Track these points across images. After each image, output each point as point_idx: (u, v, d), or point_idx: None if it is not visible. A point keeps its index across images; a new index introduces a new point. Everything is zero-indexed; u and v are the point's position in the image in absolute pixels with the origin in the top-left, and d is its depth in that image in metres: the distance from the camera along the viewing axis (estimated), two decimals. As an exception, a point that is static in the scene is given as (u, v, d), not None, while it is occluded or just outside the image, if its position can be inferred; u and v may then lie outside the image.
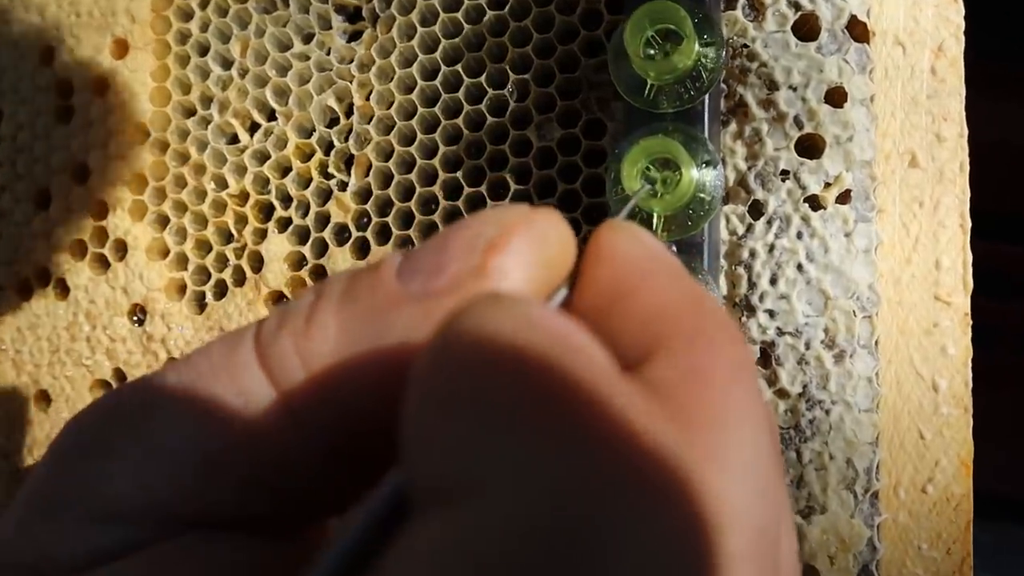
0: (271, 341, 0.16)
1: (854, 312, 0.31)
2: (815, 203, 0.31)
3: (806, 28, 0.32)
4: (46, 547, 0.15)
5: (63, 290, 0.37)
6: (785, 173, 0.31)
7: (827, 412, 0.31)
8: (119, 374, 0.37)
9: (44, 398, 0.37)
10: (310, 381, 0.16)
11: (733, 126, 0.32)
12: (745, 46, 0.32)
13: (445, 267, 0.16)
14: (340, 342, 0.16)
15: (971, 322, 0.31)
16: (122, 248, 0.37)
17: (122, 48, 0.38)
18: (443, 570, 0.11)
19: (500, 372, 0.13)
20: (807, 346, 0.31)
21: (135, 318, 0.37)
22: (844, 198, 0.31)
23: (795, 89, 0.31)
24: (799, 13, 0.31)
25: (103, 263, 0.37)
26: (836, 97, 0.31)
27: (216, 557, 0.16)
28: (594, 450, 0.12)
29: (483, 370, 0.13)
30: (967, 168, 0.31)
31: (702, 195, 0.29)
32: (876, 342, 0.31)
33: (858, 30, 0.31)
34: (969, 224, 0.31)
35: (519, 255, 0.16)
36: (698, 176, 0.28)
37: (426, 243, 0.16)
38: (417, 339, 0.15)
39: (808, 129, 0.31)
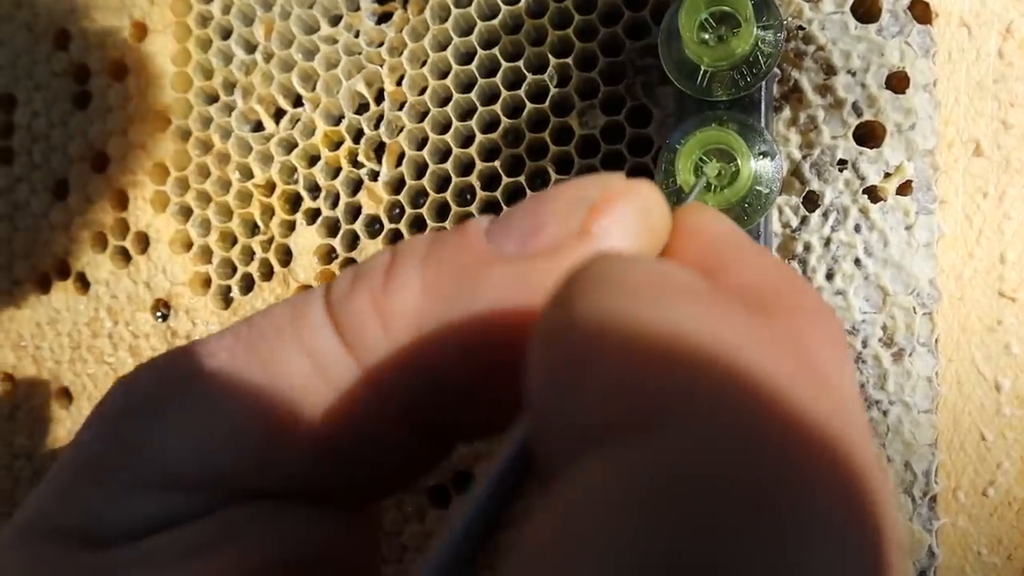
0: (344, 300, 0.15)
1: (914, 309, 0.29)
2: (874, 194, 0.29)
3: (864, 8, 0.30)
4: (97, 513, 0.15)
5: (83, 284, 0.36)
6: (843, 163, 0.30)
7: (884, 413, 0.29)
8: (143, 371, 0.35)
9: (65, 395, 0.36)
10: (390, 343, 0.15)
11: (787, 112, 0.30)
12: (801, 28, 0.30)
13: (543, 228, 0.15)
14: (424, 302, 0.15)
15: (1037, 319, 0.29)
16: (144, 241, 0.36)
17: (141, 31, 0.36)
18: (605, 509, 0.10)
19: (657, 310, 0.12)
20: (864, 344, 0.29)
21: (159, 313, 0.36)
22: (905, 189, 0.29)
23: (854, 74, 0.29)
24: (858, -7, 0.30)
25: (124, 256, 0.36)
26: (897, 82, 0.29)
27: (284, 526, 0.15)
28: (773, 409, 0.11)
29: (637, 310, 0.12)
30: (1035, 157, 0.29)
31: (759, 188, 0.27)
32: (936, 340, 0.29)
33: (920, 10, 0.30)
34: (1036, 216, 0.29)
35: (623, 219, 0.15)
36: (755, 168, 0.27)
37: (517, 206, 0.15)
38: (511, 301, 0.14)
39: (867, 116, 0.29)
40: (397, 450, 0.16)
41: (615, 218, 0.15)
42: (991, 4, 0.29)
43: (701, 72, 0.28)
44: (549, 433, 0.12)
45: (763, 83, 0.28)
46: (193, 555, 0.14)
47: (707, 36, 0.27)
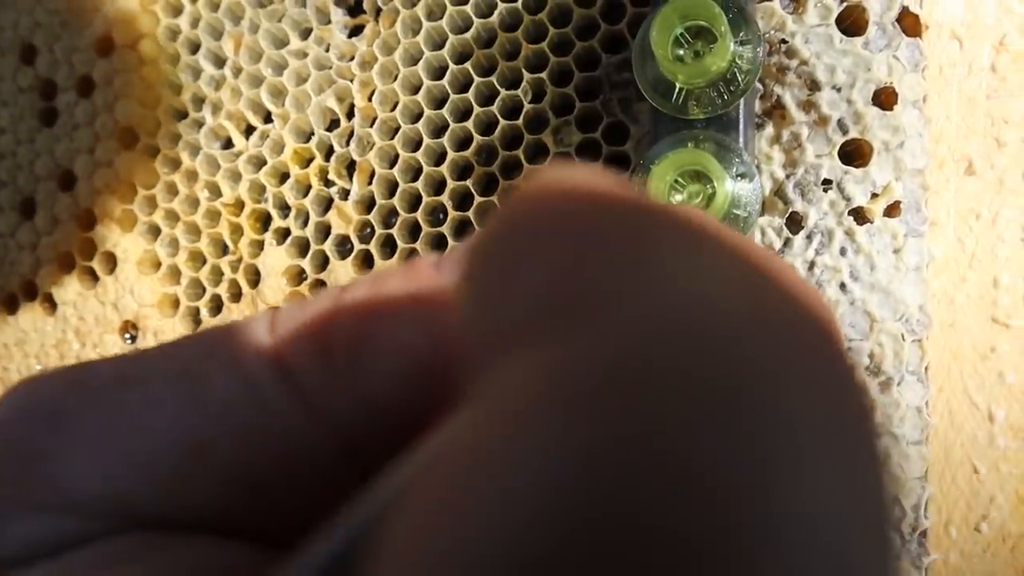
0: (288, 325, 0.14)
1: (902, 335, 0.28)
2: (861, 216, 0.28)
3: (851, 21, 0.29)
4: None
5: (51, 305, 0.35)
6: (827, 182, 0.28)
7: (872, 445, 0.28)
8: (111, 395, 0.35)
9: (33, 419, 0.35)
10: (332, 360, 0.14)
11: (770, 129, 0.29)
12: (784, 41, 0.29)
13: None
14: (367, 320, 0.14)
15: (1033, 347, 0.28)
16: (111, 261, 0.35)
17: (107, 45, 0.35)
18: (529, 407, 0.08)
19: (586, 203, 0.11)
20: (850, 373, 0.28)
21: (127, 335, 0.35)
22: (893, 210, 0.28)
23: (839, 89, 0.28)
24: (844, 4, 0.28)
25: (92, 276, 0.35)
26: (885, 98, 0.28)
27: (184, 557, 0.14)
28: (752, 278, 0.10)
29: (556, 209, 0.11)
30: (1030, 176, 0.28)
31: (737, 211, 0.26)
32: (926, 368, 0.28)
33: (910, 23, 0.28)
34: (1032, 238, 0.28)
35: None
36: (732, 190, 0.26)
37: (467, 239, 0.15)
38: (452, 324, 0.14)
39: (854, 134, 0.28)
40: (326, 482, 0.15)
41: None
42: (983, 16, 0.28)
43: (676, 89, 0.26)
44: (474, 335, 0.11)
45: (742, 101, 0.26)
46: None
47: (682, 52, 0.26)
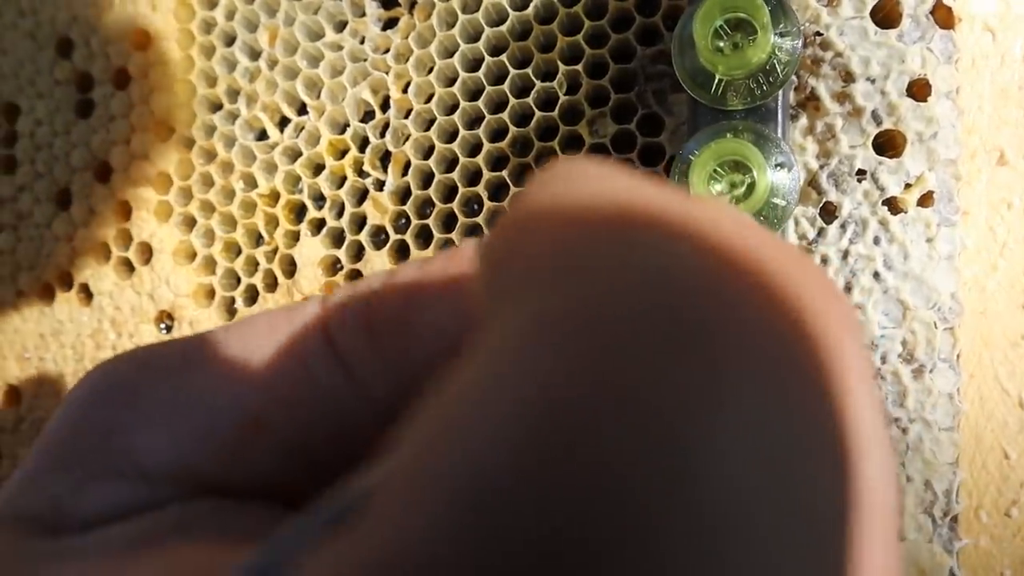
0: (338, 311, 0.15)
1: (935, 323, 0.28)
2: (894, 206, 0.29)
3: (884, 13, 0.29)
4: (57, 499, 0.14)
5: (87, 295, 0.36)
6: (862, 173, 0.29)
7: (904, 431, 0.28)
8: (147, 384, 0.35)
9: (70, 408, 0.36)
10: (378, 341, 0.15)
11: (804, 120, 0.29)
12: (819, 34, 0.29)
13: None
14: (410, 305, 0.15)
15: (1063, 334, 0.28)
16: (147, 251, 0.35)
17: (143, 38, 0.35)
18: (523, 348, 0.10)
19: (586, 186, 0.12)
20: (883, 360, 0.29)
21: (162, 325, 0.35)
22: (926, 200, 0.28)
23: (873, 81, 0.29)
24: (877, -3, 0.29)
25: (128, 267, 0.35)
26: (919, 90, 0.28)
27: (246, 525, 0.14)
28: (715, 250, 0.11)
29: (571, 184, 0.12)
30: (1061, 167, 0.28)
31: (776, 200, 0.26)
32: (958, 356, 0.28)
33: (943, 15, 0.29)
34: (1063, 228, 0.28)
35: None
36: (772, 180, 0.26)
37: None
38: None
39: (887, 125, 0.28)
40: (368, 450, 0.15)
41: None
42: (1016, 7, 0.28)
43: (716, 80, 0.27)
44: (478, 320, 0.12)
45: (780, 91, 0.27)
46: (144, 545, 0.14)
47: (722, 44, 0.26)
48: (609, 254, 0.11)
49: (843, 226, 0.29)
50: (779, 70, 0.26)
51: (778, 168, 0.26)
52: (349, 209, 0.33)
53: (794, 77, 0.29)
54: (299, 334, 0.15)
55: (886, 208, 0.28)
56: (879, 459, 0.10)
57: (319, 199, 0.34)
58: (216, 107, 0.35)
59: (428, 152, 0.33)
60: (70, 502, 0.14)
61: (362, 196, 0.34)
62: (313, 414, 0.15)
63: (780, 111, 0.27)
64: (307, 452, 0.15)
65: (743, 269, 0.11)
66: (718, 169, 0.26)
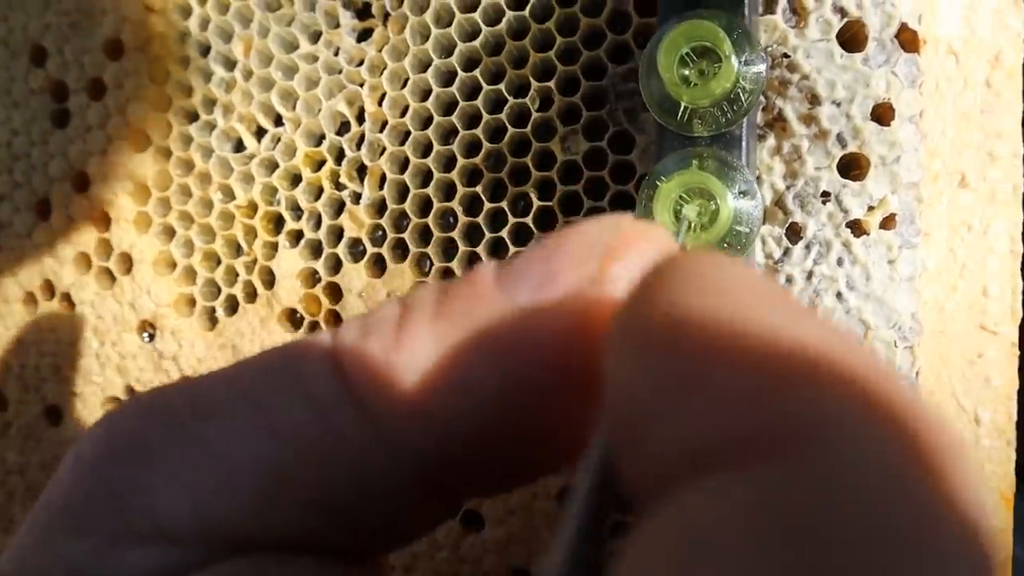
0: (353, 351, 0.14)
1: (895, 342, 0.29)
2: (857, 228, 0.29)
3: (849, 35, 0.29)
4: (76, 566, 0.14)
5: (69, 304, 0.36)
6: (826, 195, 0.29)
7: (863, 445, 0.29)
8: (131, 391, 0.36)
9: (54, 414, 0.37)
10: (401, 398, 0.14)
11: (771, 140, 0.30)
12: (786, 55, 0.29)
13: (557, 276, 0.14)
14: (436, 357, 0.14)
15: (1019, 353, 0.29)
16: (128, 261, 0.36)
17: (116, 48, 0.35)
18: (715, 557, 0.09)
19: (774, 316, 0.11)
20: (844, 377, 0.29)
21: (145, 334, 0.36)
22: (888, 223, 0.29)
23: (839, 104, 0.29)
24: (845, 20, 0.29)
25: (109, 277, 0.36)
26: (883, 113, 0.29)
27: None
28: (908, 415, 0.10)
29: (751, 313, 0.11)
30: (1021, 189, 0.29)
31: (739, 228, 0.27)
32: (917, 373, 0.29)
33: (908, 38, 0.29)
34: (1021, 249, 0.29)
35: (638, 264, 0.14)
36: (735, 207, 0.27)
37: (528, 252, 0.15)
38: (526, 353, 0.14)
39: (852, 148, 0.29)
40: (405, 505, 0.15)
41: (630, 263, 0.14)
42: (980, 32, 0.29)
43: (681, 108, 0.27)
44: (642, 454, 0.11)
45: (744, 119, 0.27)
46: None
47: (688, 72, 0.27)
48: (811, 432, 0.10)
49: (808, 247, 0.29)
50: (743, 99, 0.27)
51: (741, 196, 0.27)
52: (326, 221, 0.34)
53: (762, 98, 0.29)
54: (312, 378, 0.14)
55: (849, 230, 0.29)
56: None
57: (296, 210, 0.34)
58: (193, 117, 0.35)
59: (404, 166, 0.33)
60: (92, 569, 0.14)
61: (339, 208, 0.34)
62: (336, 465, 0.14)
63: (744, 138, 0.28)
64: (330, 502, 0.15)
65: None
66: (684, 195, 0.27)
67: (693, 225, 0.27)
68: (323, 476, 0.14)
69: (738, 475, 0.10)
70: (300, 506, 0.14)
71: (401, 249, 0.33)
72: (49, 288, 0.36)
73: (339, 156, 0.34)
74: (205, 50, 0.35)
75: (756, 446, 0.10)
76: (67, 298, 0.36)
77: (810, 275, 0.29)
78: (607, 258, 0.14)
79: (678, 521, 0.10)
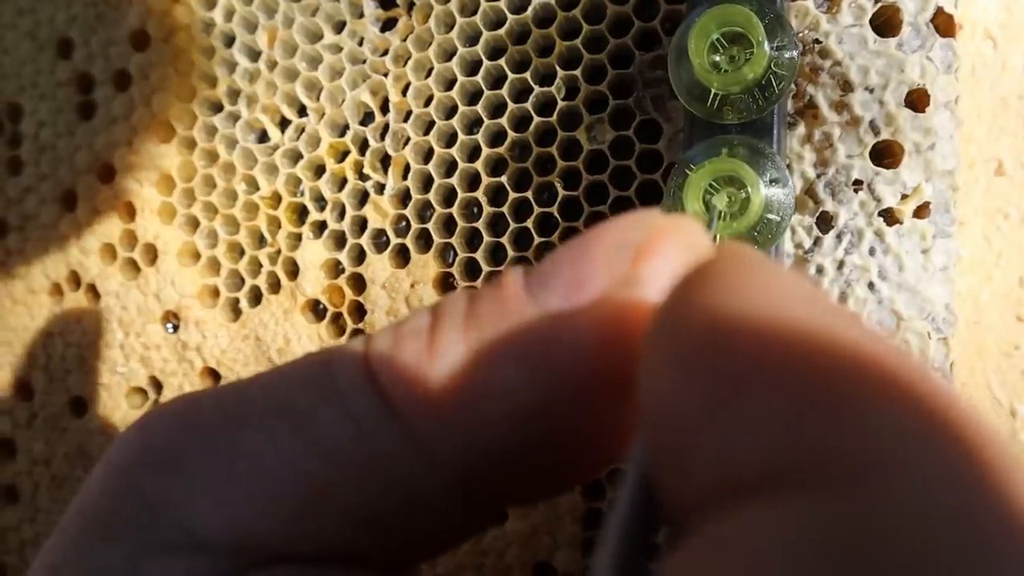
0: (386, 361, 0.14)
1: (928, 334, 0.29)
2: (890, 217, 0.29)
3: (883, 19, 0.29)
4: (107, 574, 0.14)
5: (95, 295, 0.36)
6: (858, 183, 0.29)
7: (896, 439, 0.29)
8: (155, 382, 0.36)
9: (79, 405, 0.37)
10: (438, 405, 0.14)
11: (801, 129, 0.29)
12: (817, 41, 0.29)
13: (588, 278, 0.14)
14: (469, 366, 0.14)
15: (1056, 345, 0.29)
16: (152, 252, 0.36)
17: (143, 39, 0.35)
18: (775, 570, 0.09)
19: (821, 323, 0.10)
20: (877, 369, 0.29)
21: (169, 325, 0.36)
22: (922, 211, 0.28)
23: (872, 91, 0.28)
24: (879, 4, 0.28)
25: (134, 268, 0.36)
26: (917, 100, 0.28)
27: None
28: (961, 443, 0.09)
29: (798, 322, 0.10)
30: (1060, 177, 0.28)
31: (770, 216, 0.27)
32: (951, 365, 0.29)
33: (943, 22, 0.28)
34: (1059, 239, 0.28)
35: (671, 261, 0.14)
36: (766, 196, 0.26)
37: (555, 256, 0.14)
38: (560, 359, 0.14)
39: (885, 135, 0.28)
40: (443, 516, 0.15)
41: (663, 261, 0.14)
42: (1019, 15, 0.28)
43: (712, 95, 0.27)
44: (682, 471, 0.11)
45: (776, 105, 0.27)
46: None
47: (718, 58, 0.26)
48: (853, 457, 0.09)
49: (839, 236, 0.29)
50: (776, 85, 0.26)
51: (773, 184, 0.26)
52: (350, 212, 0.34)
53: (792, 85, 0.29)
54: (348, 390, 0.14)
55: (882, 219, 0.29)
56: None
57: (320, 200, 0.34)
58: (217, 108, 0.35)
59: (428, 156, 0.33)
60: None
61: (363, 199, 0.34)
62: (372, 476, 0.14)
63: (776, 125, 0.27)
64: (365, 514, 0.14)
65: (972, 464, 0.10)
66: (713, 184, 0.26)
67: (723, 213, 0.26)
68: (360, 487, 0.14)
69: (782, 503, 0.09)
70: (336, 517, 0.14)
71: (425, 239, 0.33)
72: (75, 279, 0.36)
73: (363, 146, 0.34)
74: (230, 40, 0.35)
75: (802, 472, 0.09)
76: (92, 289, 0.36)
77: (841, 265, 0.29)
78: (638, 258, 0.14)
79: (717, 551, 0.09)
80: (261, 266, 0.35)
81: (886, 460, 0.09)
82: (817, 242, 0.29)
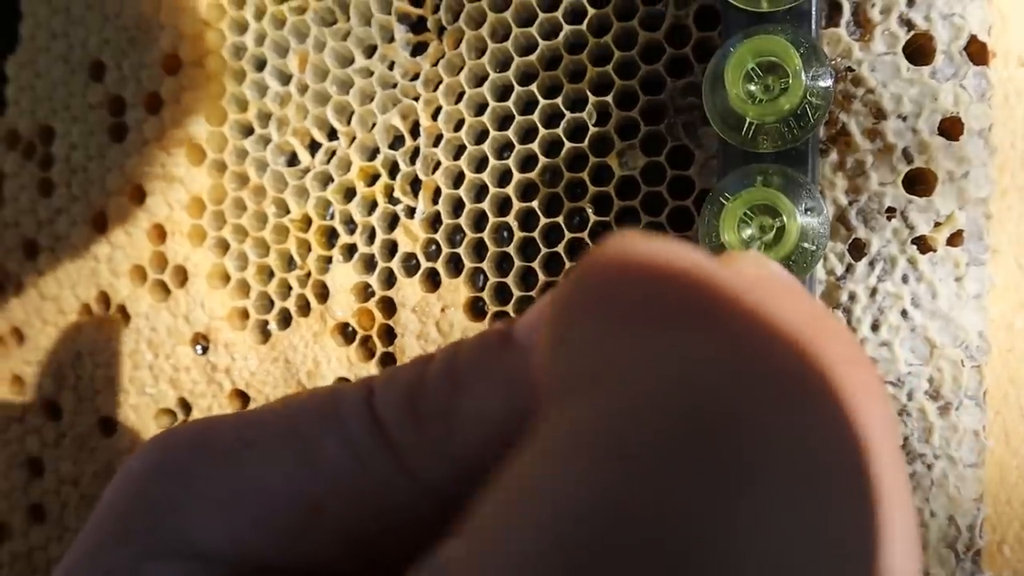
0: (385, 398, 0.16)
1: (962, 361, 0.29)
2: (923, 244, 0.29)
3: (916, 47, 0.29)
4: (112, 574, 0.15)
5: (124, 316, 0.36)
6: (891, 210, 0.29)
7: (929, 467, 0.29)
8: (184, 403, 0.36)
9: (108, 425, 0.37)
10: (426, 437, 0.15)
11: (834, 156, 0.29)
12: (850, 69, 0.29)
13: (538, 327, 0.16)
14: (459, 401, 0.15)
15: (1091, 373, 0.29)
16: (182, 274, 0.36)
17: (174, 63, 0.36)
18: (559, 459, 0.11)
19: (626, 278, 0.13)
20: (909, 397, 0.29)
21: (198, 347, 0.36)
22: (955, 240, 0.28)
23: (905, 119, 0.28)
24: (911, 32, 0.28)
25: (164, 289, 0.36)
26: (951, 128, 0.28)
27: None
28: (735, 340, 0.12)
29: (612, 276, 0.13)
30: (1094, 206, 0.28)
31: (805, 245, 0.27)
32: (984, 393, 0.29)
33: (976, 50, 0.28)
34: (1093, 267, 0.28)
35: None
36: (802, 225, 0.26)
37: (534, 305, 0.16)
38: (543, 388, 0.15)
39: (918, 163, 0.28)
40: (418, 532, 0.16)
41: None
42: (1052, 45, 0.28)
43: (746, 124, 0.27)
44: (542, 384, 0.14)
45: (811, 135, 0.27)
46: None
47: (753, 87, 0.26)
48: (646, 364, 0.12)
49: (871, 263, 0.29)
50: (811, 114, 0.26)
51: (808, 213, 0.27)
52: (380, 235, 0.34)
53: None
54: (348, 418, 0.16)
55: (915, 247, 0.29)
56: (903, 523, 0.12)
57: (350, 224, 0.34)
58: (248, 131, 0.35)
59: (458, 180, 0.33)
60: None
61: (393, 222, 0.34)
62: (366, 498, 0.15)
63: (811, 154, 0.27)
64: (355, 533, 0.16)
65: (767, 349, 0.12)
66: (748, 212, 0.27)
67: (759, 242, 0.26)
68: (353, 508, 0.15)
69: (582, 397, 0.12)
70: (330, 534, 0.15)
71: (455, 264, 0.33)
72: (105, 300, 0.37)
73: (393, 170, 0.34)
74: (261, 64, 0.35)
75: (594, 376, 0.12)
76: (122, 310, 0.36)
77: (874, 292, 0.29)
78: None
79: (542, 431, 0.12)
80: (291, 289, 0.35)
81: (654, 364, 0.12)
82: (849, 269, 0.29)
